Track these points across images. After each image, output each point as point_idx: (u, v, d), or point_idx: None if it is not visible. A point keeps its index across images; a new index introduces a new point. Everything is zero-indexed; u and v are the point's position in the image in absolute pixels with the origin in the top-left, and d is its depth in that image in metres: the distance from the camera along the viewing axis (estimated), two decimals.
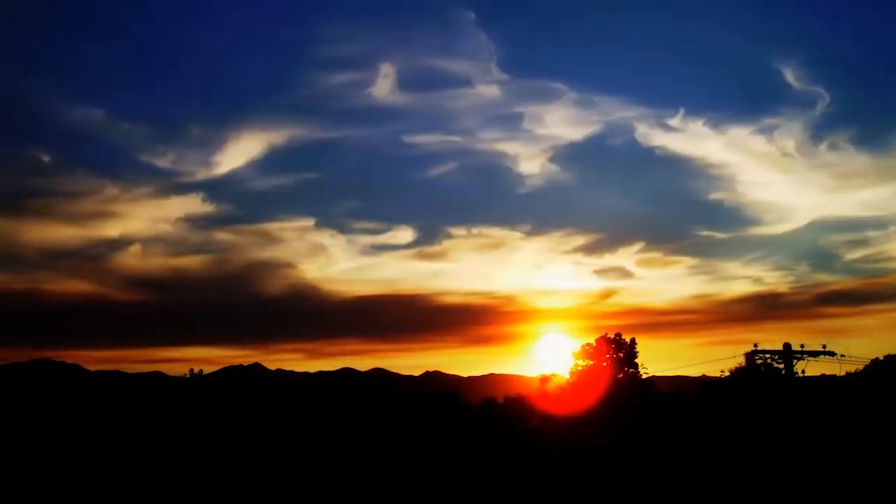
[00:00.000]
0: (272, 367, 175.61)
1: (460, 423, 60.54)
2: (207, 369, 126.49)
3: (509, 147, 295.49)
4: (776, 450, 42.68)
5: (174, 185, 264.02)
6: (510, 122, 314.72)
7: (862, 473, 41.72)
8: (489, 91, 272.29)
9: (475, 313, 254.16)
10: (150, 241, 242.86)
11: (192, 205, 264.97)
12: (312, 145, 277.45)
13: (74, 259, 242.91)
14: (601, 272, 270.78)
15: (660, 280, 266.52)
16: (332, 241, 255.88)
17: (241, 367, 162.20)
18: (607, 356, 63.38)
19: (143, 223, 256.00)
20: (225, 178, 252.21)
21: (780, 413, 44.56)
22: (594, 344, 64.89)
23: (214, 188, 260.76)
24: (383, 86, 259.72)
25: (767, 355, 44.21)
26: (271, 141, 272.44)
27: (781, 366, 43.70)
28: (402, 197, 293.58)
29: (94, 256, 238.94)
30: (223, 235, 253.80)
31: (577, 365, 64.28)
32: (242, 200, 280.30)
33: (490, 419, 64.21)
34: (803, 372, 43.37)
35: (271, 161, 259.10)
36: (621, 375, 62.10)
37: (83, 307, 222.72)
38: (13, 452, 49.77)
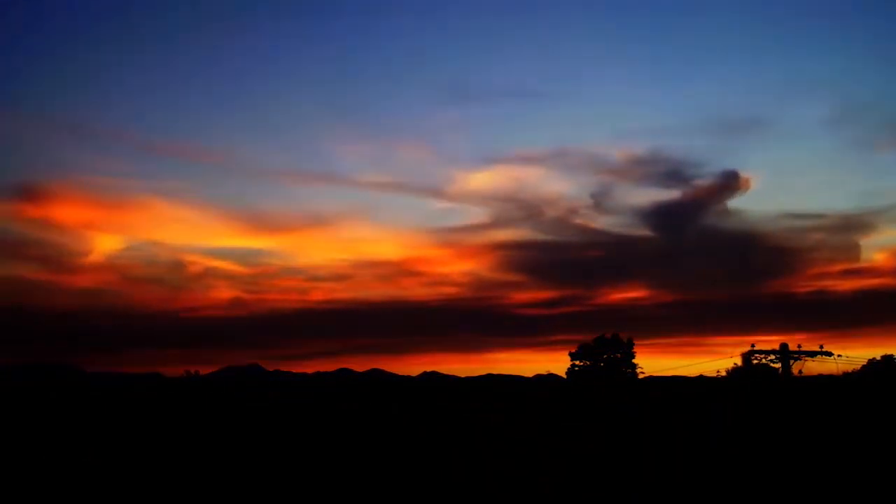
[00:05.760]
0: (271, 367, 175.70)
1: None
2: (205, 370, 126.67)
3: None
4: (773, 449, 42.83)
5: None
6: None
7: (860, 473, 41.90)
8: None
9: None
10: None
11: None
12: None
13: None
14: None
15: None
16: None
17: (239, 367, 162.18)
18: (604, 356, 63.62)
19: None
20: None
21: (778, 412, 44.72)
22: (592, 344, 65.09)
23: None
24: None
25: (764, 355, 44.35)
26: None
27: (779, 365, 43.87)
28: None
29: None
30: None
31: (573, 365, 64.51)
32: None
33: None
34: (800, 372, 43.56)
35: None
36: (617, 376, 62.47)
37: None
38: (12, 454, 49.86)
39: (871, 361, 74.04)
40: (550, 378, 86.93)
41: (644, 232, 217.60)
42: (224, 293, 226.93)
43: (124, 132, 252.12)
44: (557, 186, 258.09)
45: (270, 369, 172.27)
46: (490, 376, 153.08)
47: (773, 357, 43.91)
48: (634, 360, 65.50)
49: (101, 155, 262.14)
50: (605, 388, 61.20)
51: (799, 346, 42.86)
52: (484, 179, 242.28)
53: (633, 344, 65.83)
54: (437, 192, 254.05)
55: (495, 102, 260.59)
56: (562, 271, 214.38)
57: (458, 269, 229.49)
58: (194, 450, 53.31)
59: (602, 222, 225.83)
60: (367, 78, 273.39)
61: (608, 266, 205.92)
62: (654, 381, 66.79)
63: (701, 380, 73.77)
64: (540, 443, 54.11)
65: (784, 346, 42.93)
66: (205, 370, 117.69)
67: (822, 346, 42.79)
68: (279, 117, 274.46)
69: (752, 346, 44.78)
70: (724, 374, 68.92)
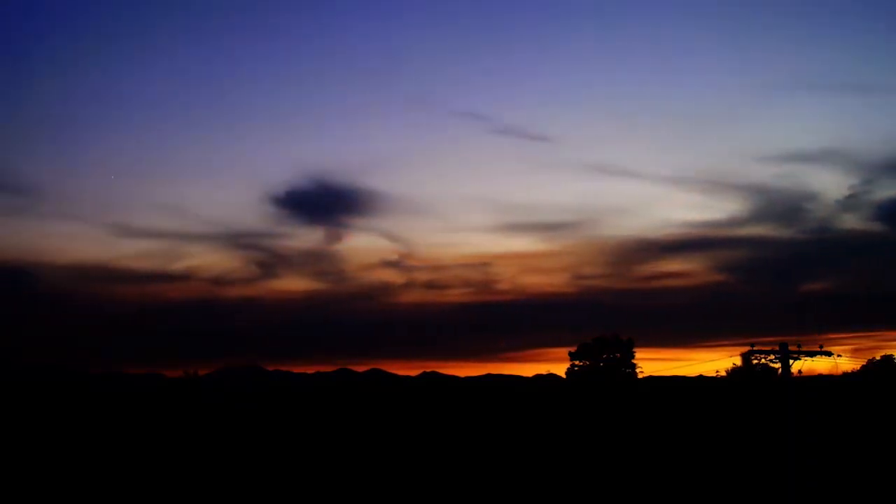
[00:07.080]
0: (270, 367, 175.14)
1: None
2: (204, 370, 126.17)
3: None
4: (772, 449, 42.85)
5: None
6: None
7: (859, 472, 41.94)
8: None
9: None
10: None
11: None
12: None
13: None
14: None
15: None
16: None
17: (238, 368, 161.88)
18: (604, 357, 63.53)
19: None
20: None
21: (777, 412, 44.70)
22: (591, 344, 65.01)
23: None
24: None
25: (763, 355, 44.24)
26: None
27: (778, 365, 43.75)
28: None
29: None
30: None
31: (573, 365, 64.39)
32: None
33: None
34: (800, 372, 43.45)
35: None
36: (617, 376, 62.39)
37: None
38: (14, 455, 49.96)
39: (871, 361, 74.12)
40: (550, 378, 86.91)
41: (872, 227, 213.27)
42: (402, 296, 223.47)
43: None
44: (817, 184, 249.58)
45: (270, 369, 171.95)
46: (489, 376, 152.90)
47: (772, 357, 43.79)
48: (634, 360, 65.57)
49: None
50: (604, 388, 61.16)
51: (798, 345, 42.73)
52: (749, 174, 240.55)
53: (633, 344, 65.79)
54: (698, 188, 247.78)
55: (781, 95, 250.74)
56: (754, 268, 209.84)
57: (658, 269, 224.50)
58: (194, 450, 53.37)
59: (843, 220, 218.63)
60: (667, 69, 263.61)
61: (806, 263, 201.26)
62: (653, 380, 66.73)
63: (700, 380, 73.83)
64: (539, 442, 54.12)
65: (784, 345, 42.79)
66: (203, 370, 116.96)
67: (821, 346, 42.65)
68: (581, 108, 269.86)
69: (752, 346, 44.64)
70: (723, 374, 68.94)
